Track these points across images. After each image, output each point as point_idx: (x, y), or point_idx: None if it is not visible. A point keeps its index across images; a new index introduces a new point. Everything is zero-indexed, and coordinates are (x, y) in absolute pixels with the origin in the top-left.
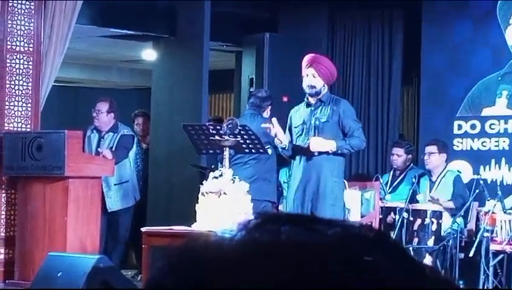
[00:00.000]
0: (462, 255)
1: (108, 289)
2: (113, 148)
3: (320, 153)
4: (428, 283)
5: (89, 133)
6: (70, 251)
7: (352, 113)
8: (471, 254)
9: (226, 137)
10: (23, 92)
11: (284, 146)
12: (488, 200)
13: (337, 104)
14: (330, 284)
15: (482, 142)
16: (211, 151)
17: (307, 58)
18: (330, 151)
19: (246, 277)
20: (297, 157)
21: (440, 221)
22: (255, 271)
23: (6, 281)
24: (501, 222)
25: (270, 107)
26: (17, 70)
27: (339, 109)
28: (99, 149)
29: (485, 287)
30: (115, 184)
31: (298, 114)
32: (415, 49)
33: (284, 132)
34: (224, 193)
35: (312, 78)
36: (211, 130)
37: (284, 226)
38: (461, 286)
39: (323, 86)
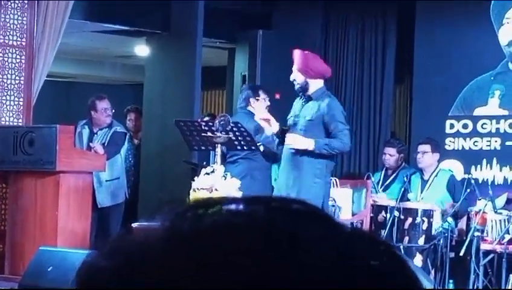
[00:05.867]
0: (452, 254)
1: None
2: (105, 144)
3: (299, 151)
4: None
5: (80, 129)
6: (60, 246)
7: (338, 113)
8: (461, 253)
9: (218, 134)
10: (16, 86)
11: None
12: (479, 200)
13: (325, 102)
14: (261, 270)
15: (474, 142)
16: (202, 148)
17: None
18: (309, 150)
19: (168, 267)
20: (284, 155)
21: (431, 220)
22: (177, 262)
23: None
24: (492, 221)
25: (254, 100)
26: (10, 64)
27: (325, 108)
28: (91, 144)
29: (475, 287)
30: (106, 180)
31: (296, 105)
32: (408, 47)
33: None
34: (216, 189)
35: (293, 73)
36: (203, 127)
37: (207, 211)
38: (451, 286)
39: (305, 80)
